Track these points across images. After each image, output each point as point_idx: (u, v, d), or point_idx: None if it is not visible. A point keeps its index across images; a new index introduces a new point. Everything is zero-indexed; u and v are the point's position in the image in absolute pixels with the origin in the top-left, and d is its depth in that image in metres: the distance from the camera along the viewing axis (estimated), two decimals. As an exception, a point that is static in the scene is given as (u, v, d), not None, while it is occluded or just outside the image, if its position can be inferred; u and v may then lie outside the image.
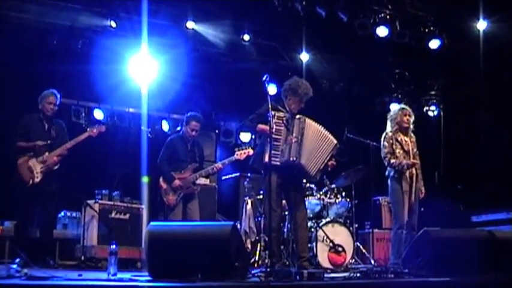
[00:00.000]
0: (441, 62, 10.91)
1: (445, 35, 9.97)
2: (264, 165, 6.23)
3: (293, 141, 6.23)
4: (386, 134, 7.23)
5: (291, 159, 6.21)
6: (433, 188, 7.78)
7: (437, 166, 10.96)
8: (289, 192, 6.46)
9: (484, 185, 10.39)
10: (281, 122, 6.23)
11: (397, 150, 7.10)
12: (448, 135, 11.39)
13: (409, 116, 7.23)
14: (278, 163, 6.18)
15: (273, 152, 6.03)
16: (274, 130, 6.07)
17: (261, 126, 6.31)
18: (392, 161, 7.06)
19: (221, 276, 4.60)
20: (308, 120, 6.35)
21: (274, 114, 6.13)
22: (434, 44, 9.98)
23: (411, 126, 7.22)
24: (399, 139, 7.14)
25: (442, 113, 11.54)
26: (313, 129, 6.37)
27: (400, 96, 11.04)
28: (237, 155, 7.49)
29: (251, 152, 7.39)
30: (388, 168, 7.17)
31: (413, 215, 7.04)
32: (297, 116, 6.35)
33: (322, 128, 6.42)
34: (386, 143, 7.15)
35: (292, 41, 10.74)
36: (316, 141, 6.35)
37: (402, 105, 7.41)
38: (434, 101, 11.49)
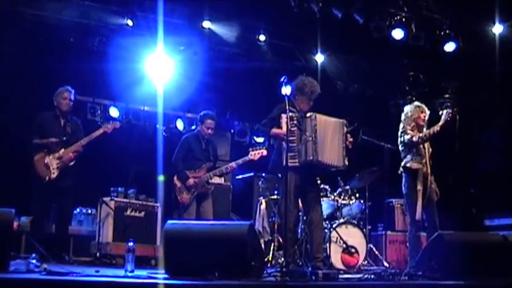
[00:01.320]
0: (456, 65, 10.89)
1: (461, 38, 9.94)
2: (283, 169, 6.23)
3: (308, 140, 6.26)
4: (404, 127, 7.20)
5: (309, 158, 6.25)
6: (446, 191, 7.77)
7: (450, 169, 10.93)
8: (306, 193, 6.49)
9: (497, 189, 10.37)
10: (293, 122, 6.27)
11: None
12: (462, 138, 11.35)
13: (425, 113, 7.24)
14: (297, 164, 6.24)
15: (289, 154, 6.10)
16: (287, 132, 6.13)
17: (275, 130, 6.39)
18: (420, 135, 7.02)
19: (238, 275, 4.62)
20: (318, 116, 6.38)
21: (290, 115, 6.17)
22: (449, 47, 9.96)
23: (424, 128, 7.20)
24: (423, 131, 7.13)
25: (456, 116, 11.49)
26: (324, 122, 6.40)
27: (414, 98, 10.96)
28: (251, 155, 7.54)
29: (265, 152, 7.46)
30: (403, 165, 7.12)
31: (434, 215, 7.02)
32: (307, 115, 6.39)
33: (328, 117, 6.47)
34: (409, 131, 7.07)
35: (308, 42, 10.74)
36: (329, 133, 6.39)
37: (417, 103, 7.39)
38: (449, 103, 11.43)
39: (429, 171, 7.09)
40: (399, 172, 7.25)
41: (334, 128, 6.44)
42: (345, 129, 6.50)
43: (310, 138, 6.27)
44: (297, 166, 6.24)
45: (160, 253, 5.62)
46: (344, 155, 6.44)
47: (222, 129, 10.92)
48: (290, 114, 6.21)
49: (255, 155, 7.51)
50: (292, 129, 6.26)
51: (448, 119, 6.98)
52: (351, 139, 6.55)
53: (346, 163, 6.47)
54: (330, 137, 6.37)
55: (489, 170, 10.85)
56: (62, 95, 7.50)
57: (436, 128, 6.96)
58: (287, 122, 6.14)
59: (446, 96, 11.51)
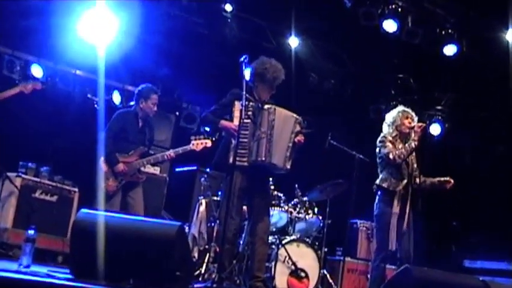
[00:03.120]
0: (455, 72, 10.83)
1: (465, 42, 9.88)
2: (228, 167, 6.19)
3: (262, 136, 6.21)
4: (384, 136, 7.11)
5: (260, 158, 6.20)
6: (424, 221, 7.76)
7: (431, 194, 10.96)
8: (253, 199, 6.44)
9: (485, 226, 10.39)
10: (247, 113, 6.19)
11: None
12: (451, 160, 11.39)
13: (412, 120, 7.15)
14: (246, 163, 6.18)
15: (238, 150, 6.03)
16: (239, 124, 6.06)
17: (224, 122, 6.33)
18: (397, 152, 6.91)
19: (157, 286, 4.55)
20: (278, 110, 6.33)
21: (245, 104, 6.08)
22: (449, 50, 9.86)
23: (412, 135, 7.12)
24: (399, 147, 7.03)
25: (446, 133, 11.52)
26: (283, 117, 6.35)
27: (399, 105, 10.99)
28: (192, 144, 7.50)
29: (209, 143, 7.45)
30: (379, 182, 7.06)
31: (409, 246, 6.94)
32: (266, 106, 6.33)
33: (288, 111, 6.40)
34: (388, 143, 7.01)
35: (282, 21, 10.64)
36: (287, 131, 6.34)
37: (402, 107, 7.32)
38: (440, 117, 11.45)
39: (409, 194, 7.00)
40: (373, 188, 7.17)
41: (287, 123, 6.37)
42: (297, 127, 6.40)
43: (265, 136, 6.22)
44: (245, 166, 6.19)
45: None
46: (288, 157, 6.34)
47: (166, 111, 10.80)
48: (246, 103, 6.11)
49: (197, 145, 7.48)
50: (246, 121, 6.19)
51: (419, 130, 6.92)
52: (301, 139, 6.43)
53: (288, 167, 6.38)
54: (285, 135, 6.32)
55: (479, 201, 10.86)
56: None
57: (414, 142, 6.89)
58: (241, 112, 6.05)
59: (439, 108, 11.51)
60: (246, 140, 6.20)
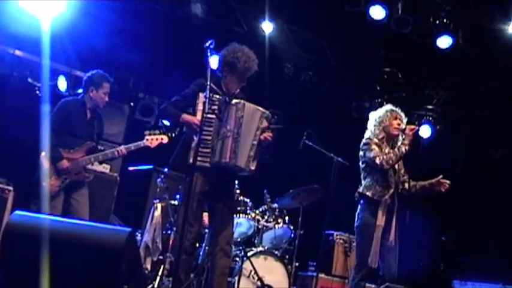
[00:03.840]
0: (449, 67, 10.91)
1: (461, 33, 9.93)
2: (187, 167, 6.17)
3: (227, 135, 6.19)
4: (369, 138, 7.08)
5: (224, 160, 6.18)
6: (409, 233, 7.75)
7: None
8: (215, 204, 6.43)
9: (478, 242, 10.44)
10: (212, 107, 6.18)
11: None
12: (441, 167, 11.39)
13: (401, 121, 7.14)
14: (207, 164, 6.16)
15: (200, 149, 5.98)
16: (203, 119, 6.00)
17: (186, 117, 6.28)
18: (384, 157, 6.87)
19: None
20: (248, 106, 6.32)
21: (210, 96, 6.06)
22: (444, 42, 9.88)
23: (400, 138, 7.11)
24: (386, 152, 7.01)
25: (436, 136, 11.56)
26: (252, 113, 6.34)
27: (385, 103, 10.99)
28: (146, 140, 7.55)
29: (165, 140, 7.51)
30: (362, 190, 7.03)
31: (394, 260, 6.94)
32: (234, 101, 6.31)
33: (256, 106, 6.37)
34: (374, 146, 6.98)
35: (255, 3, 10.58)
36: (252, 127, 6.32)
37: (390, 106, 7.30)
38: (430, 118, 11.50)
39: (396, 204, 6.99)
40: (355, 197, 7.15)
41: (254, 118, 6.34)
42: (264, 122, 6.37)
43: (230, 134, 6.20)
44: (206, 167, 6.16)
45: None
46: (252, 157, 6.29)
47: (119, 101, 10.75)
48: (210, 95, 6.07)
49: (152, 141, 7.52)
50: (210, 116, 6.16)
51: (410, 133, 6.91)
52: (269, 135, 6.40)
53: (252, 168, 6.36)
54: (251, 132, 6.30)
55: (473, 214, 10.90)
56: None
57: (404, 147, 6.87)
58: (204, 105, 6.01)
59: (430, 107, 11.56)
60: (209, 137, 6.17)
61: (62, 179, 7.30)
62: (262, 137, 6.31)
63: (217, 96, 6.26)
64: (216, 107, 6.20)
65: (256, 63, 6.43)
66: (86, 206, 7.46)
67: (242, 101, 6.28)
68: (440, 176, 7.00)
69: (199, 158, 5.96)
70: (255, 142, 6.26)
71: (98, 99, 7.56)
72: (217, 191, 6.36)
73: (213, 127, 6.20)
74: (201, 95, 6.17)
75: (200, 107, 6.17)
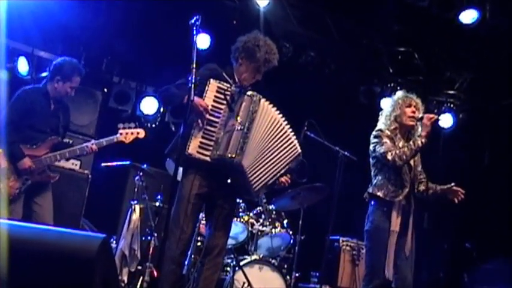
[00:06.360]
0: (474, 46, 10.91)
1: (488, 7, 9.92)
2: (186, 158, 6.14)
3: (237, 128, 6.18)
4: (380, 130, 7.08)
5: (229, 155, 6.15)
6: (429, 241, 7.80)
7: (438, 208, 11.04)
8: (213, 208, 6.43)
9: (508, 250, 10.45)
10: (222, 96, 6.18)
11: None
12: (465, 161, 11.44)
13: (416, 109, 7.13)
14: (208, 158, 6.14)
15: (202, 139, 6.04)
16: (210, 108, 6.09)
17: (198, 100, 6.14)
18: (397, 152, 6.86)
19: None
20: (264, 102, 6.33)
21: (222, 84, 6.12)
22: (468, 16, 9.92)
23: (419, 129, 7.09)
24: (399, 145, 7.01)
25: (458, 126, 11.58)
26: (271, 117, 6.36)
27: (399, 87, 11.01)
28: (120, 134, 7.65)
29: (142, 134, 7.64)
30: (372, 190, 7.04)
31: (410, 270, 6.95)
32: (249, 93, 6.31)
33: (284, 120, 6.40)
34: (386, 139, 6.98)
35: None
36: (272, 138, 6.35)
37: (404, 92, 7.29)
38: (452, 105, 11.54)
39: (412, 206, 6.99)
40: (365, 197, 7.17)
41: (284, 144, 6.39)
42: (294, 163, 6.46)
43: (241, 127, 6.19)
44: (206, 161, 6.15)
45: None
46: (267, 185, 6.41)
47: (91, 86, 10.68)
48: (220, 84, 6.20)
49: (126, 135, 7.63)
50: (220, 106, 6.19)
51: (428, 123, 6.90)
52: (288, 180, 6.56)
53: (259, 197, 6.53)
54: (270, 146, 6.32)
55: (500, 216, 10.91)
56: None
57: (421, 139, 6.86)
58: (218, 91, 6.11)
59: (451, 92, 11.56)
60: (214, 128, 6.18)
61: (23, 179, 7.32)
62: (282, 179, 6.44)
63: (229, 86, 6.27)
64: (229, 96, 6.20)
65: (277, 59, 6.52)
66: (50, 211, 7.50)
67: (258, 95, 6.29)
68: (453, 184, 6.99)
69: (198, 150, 6.03)
70: (275, 176, 6.37)
71: (62, 92, 7.60)
72: (219, 192, 6.37)
73: (222, 117, 6.21)
74: (213, 81, 6.19)
75: (211, 94, 6.18)
